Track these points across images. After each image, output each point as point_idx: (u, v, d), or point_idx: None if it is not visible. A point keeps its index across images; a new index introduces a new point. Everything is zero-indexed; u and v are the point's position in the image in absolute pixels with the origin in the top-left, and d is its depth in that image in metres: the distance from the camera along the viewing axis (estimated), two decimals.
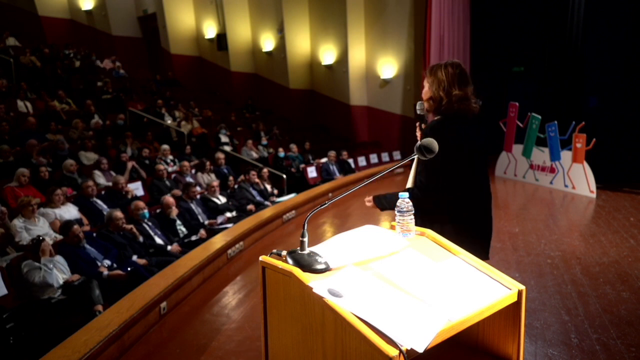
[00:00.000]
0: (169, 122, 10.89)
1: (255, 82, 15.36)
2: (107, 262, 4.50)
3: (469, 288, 1.50)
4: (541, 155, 9.36)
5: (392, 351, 1.16)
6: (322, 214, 7.32)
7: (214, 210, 6.78)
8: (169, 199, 6.05)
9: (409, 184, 2.34)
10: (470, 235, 2.19)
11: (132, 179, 7.38)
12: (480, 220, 2.29)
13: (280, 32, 14.04)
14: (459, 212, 2.21)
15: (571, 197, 8.46)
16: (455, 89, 2.20)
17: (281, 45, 14.13)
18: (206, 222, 6.41)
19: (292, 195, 8.20)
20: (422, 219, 2.06)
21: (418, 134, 2.48)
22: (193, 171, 8.07)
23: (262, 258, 1.52)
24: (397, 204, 1.73)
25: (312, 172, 10.30)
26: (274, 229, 6.67)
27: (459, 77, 2.22)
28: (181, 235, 5.90)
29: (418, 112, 2.42)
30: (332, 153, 10.66)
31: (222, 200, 7.12)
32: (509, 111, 10.00)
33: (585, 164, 8.37)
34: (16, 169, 5.95)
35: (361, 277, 1.42)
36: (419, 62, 12.24)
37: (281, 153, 10.90)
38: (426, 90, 2.32)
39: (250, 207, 7.30)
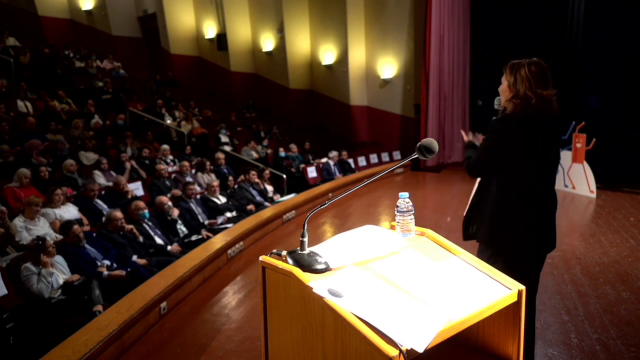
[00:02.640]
0: (169, 122, 10.89)
1: (255, 82, 15.36)
2: (106, 262, 4.50)
3: (469, 288, 1.50)
4: None
5: (392, 351, 1.16)
6: (322, 214, 7.32)
7: (214, 210, 6.78)
8: (162, 198, 6.05)
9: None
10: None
11: (132, 179, 7.38)
12: (533, 228, 2.29)
13: (280, 32, 14.04)
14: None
15: (571, 197, 8.46)
16: (540, 89, 2.23)
17: (281, 45, 14.13)
18: (206, 222, 6.41)
19: (292, 195, 8.20)
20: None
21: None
22: (193, 171, 8.07)
23: (262, 258, 1.52)
24: (397, 204, 1.73)
25: (312, 172, 10.30)
26: (274, 229, 6.67)
27: (541, 77, 2.24)
28: (181, 235, 5.90)
29: (496, 107, 2.51)
30: (335, 153, 10.67)
31: (222, 200, 7.12)
32: None
33: (585, 164, 8.37)
34: (16, 169, 5.95)
35: (361, 277, 1.42)
36: (419, 62, 12.24)
37: (281, 153, 10.90)
38: (504, 88, 2.34)
39: (250, 207, 7.30)
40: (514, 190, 2.26)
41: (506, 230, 2.25)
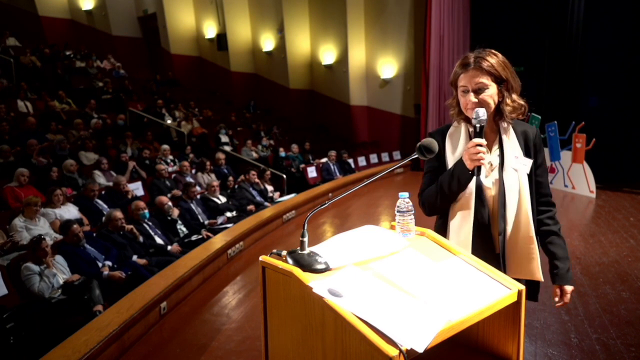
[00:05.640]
0: (169, 122, 10.89)
1: (255, 82, 15.36)
2: (108, 263, 4.51)
3: (469, 288, 1.50)
4: None
5: (392, 351, 1.16)
6: (322, 214, 7.32)
7: (214, 210, 6.78)
8: (162, 198, 6.05)
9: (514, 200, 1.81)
10: None
11: (132, 179, 7.38)
12: None
13: (280, 32, 14.04)
14: None
15: (571, 197, 8.46)
16: None
17: (281, 45, 14.13)
18: (206, 222, 6.41)
19: (292, 195, 8.21)
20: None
21: (478, 152, 1.73)
22: (193, 171, 8.08)
23: (262, 258, 1.52)
24: (397, 204, 1.73)
25: (312, 172, 10.30)
26: (274, 229, 6.67)
27: None
28: (181, 235, 5.90)
29: (481, 122, 1.77)
30: (333, 153, 10.67)
31: (222, 200, 7.12)
32: None
33: (585, 164, 8.37)
34: (16, 169, 5.95)
35: (361, 277, 1.42)
36: (419, 62, 12.25)
37: (281, 153, 10.90)
38: (496, 92, 1.86)
39: (251, 207, 7.30)
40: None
41: None
